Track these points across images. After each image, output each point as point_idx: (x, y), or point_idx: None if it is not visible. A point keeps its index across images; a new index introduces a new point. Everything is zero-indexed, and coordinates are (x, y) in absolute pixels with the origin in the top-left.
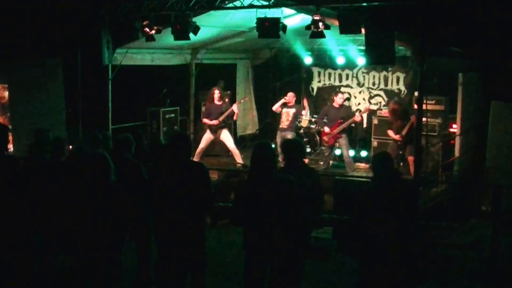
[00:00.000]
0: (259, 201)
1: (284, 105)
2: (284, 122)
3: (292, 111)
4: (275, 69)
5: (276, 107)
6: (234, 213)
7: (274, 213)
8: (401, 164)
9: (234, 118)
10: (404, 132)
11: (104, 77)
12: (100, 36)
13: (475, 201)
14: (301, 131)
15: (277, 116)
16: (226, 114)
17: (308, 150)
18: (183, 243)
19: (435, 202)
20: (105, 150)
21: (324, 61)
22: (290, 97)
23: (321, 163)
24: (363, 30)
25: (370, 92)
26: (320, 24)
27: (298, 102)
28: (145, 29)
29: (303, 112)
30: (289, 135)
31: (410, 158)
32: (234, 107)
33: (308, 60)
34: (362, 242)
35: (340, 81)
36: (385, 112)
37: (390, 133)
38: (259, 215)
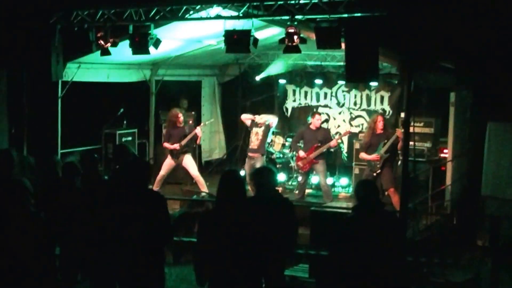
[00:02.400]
0: (225, 236)
1: (254, 123)
2: (254, 142)
3: (261, 129)
4: (245, 87)
5: (245, 117)
6: (197, 270)
7: (242, 249)
8: (386, 193)
9: (198, 142)
10: (383, 151)
11: (53, 94)
12: (49, 47)
13: (470, 234)
14: (274, 156)
15: (247, 139)
16: (189, 137)
17: (282, 178)
18: (139, 282)
19: (425, 236)
20: (52, 177)
21: (300, 78)
22: (262, 117)
23: (296, 192)
24: (343, 45)
25: (351, 113)
26: (295, 37)
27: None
28: (99, 41)
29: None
30: (259, 161)
31: (391, 190)
32: (198, 130)
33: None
34: (343, 280)
35: (318, 100)
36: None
37: (364, 155)
38: (226, 252)
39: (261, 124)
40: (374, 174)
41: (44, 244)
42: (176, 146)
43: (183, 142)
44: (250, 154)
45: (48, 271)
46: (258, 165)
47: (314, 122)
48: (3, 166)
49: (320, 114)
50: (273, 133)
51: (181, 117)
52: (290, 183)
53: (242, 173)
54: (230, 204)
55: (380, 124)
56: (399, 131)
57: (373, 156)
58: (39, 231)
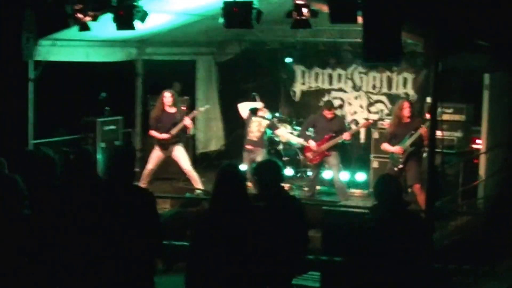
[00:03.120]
0: (223, 242)
1: (254, 112)
2: (254, 133)
3: (265, 122)
4: (247, 67)
5: (243, 108)
6: (189, 280)
7: (242, 256)
8: (409, 190)
9: (188, 133)
10: (409, 143)
11: (24, 77)
12: (20, 23)
13: (507, 237)
14: (280, 147)
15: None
16: (180, 126)
17: (290, 173)
18: None
19: (454, 239)
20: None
21: (310, 57)
22: (264, 110)
23: (306, 189)
24: (360, 19)
25: (369, 98)
26: (305, 10)
27: (277, 109)
28: (77, 15)
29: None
30: (260, 155)
31: (417, 186)
32: (187, 121)
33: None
34: None
35: (331, 83)
36: (387, 123)
37: (387, 146)
38: (223, 260)
39: (264, 112)
40: (396, 169)
41: (36, 252)
42: (166, 135)
43: (174, 131)
44: (248, 146)
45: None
46: (259, 159)
47: (325, 115)
48: None
49: (331, 108)
50: (278, 120)
51: (167, 96)
52: (298, 178)
53: (243, 167)
54: (229, 204)
55: (406, 111)
56: (423, 129)
57: (397, 149)
58: (33, 237)
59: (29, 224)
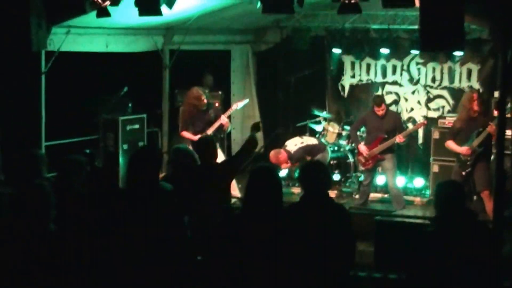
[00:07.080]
0: (253, 255)
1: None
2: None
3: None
4: (288, 58)
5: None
6: None
7: (277, 274)
8: (474, 198)
9: (225, 130)
10: (476, 143)
11: (35, 69)
12: (28, 8)
13: None
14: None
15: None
16: (215, 125)
17: (337, 177)
18: None
19: None
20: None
21: (360, 47)
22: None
23: (357, 196)
24: (417, 2)
25: (428, 93)
26: None
27: (323, 105)
28: None
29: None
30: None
31: (486, 193)
32: (223, 120)
33: None
34: None
35: (384, 76)
36: (449, 121)
37: (452, 144)
38: (251, 275)
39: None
40: (464, 173)
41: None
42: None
43: (210, 131)
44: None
45: None
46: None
47: (376, 112)
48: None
49: (381, 103)
50: (325, 119)
51: (204, 99)
52: (348, 184)
53: (284, 172)
54: (259, 211)
55: (476, 104)
56: (492, 126)
57: (463, 149)
58: (57, 256)
59: (55, 241)
